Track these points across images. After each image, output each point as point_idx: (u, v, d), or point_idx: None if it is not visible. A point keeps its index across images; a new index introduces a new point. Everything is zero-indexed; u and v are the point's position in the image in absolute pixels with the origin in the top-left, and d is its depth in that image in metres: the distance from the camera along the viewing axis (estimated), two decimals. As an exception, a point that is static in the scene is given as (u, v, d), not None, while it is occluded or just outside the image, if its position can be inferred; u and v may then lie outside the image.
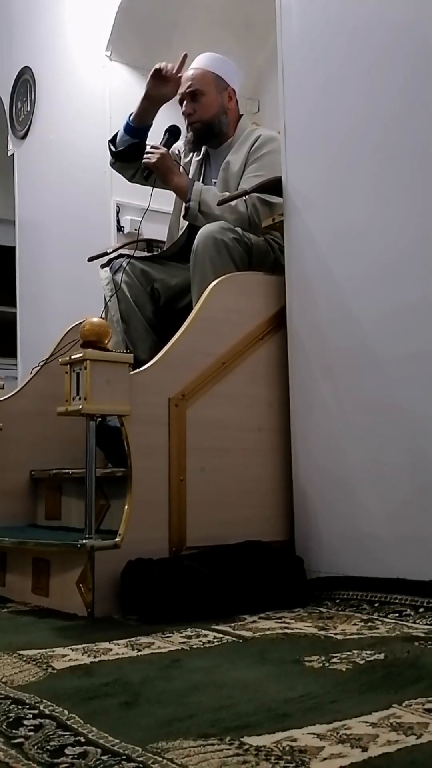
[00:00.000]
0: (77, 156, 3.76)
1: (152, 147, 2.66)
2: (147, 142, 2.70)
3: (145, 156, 2.65)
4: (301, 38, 2.37)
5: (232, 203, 2.53)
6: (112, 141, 2.75)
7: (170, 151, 2.74)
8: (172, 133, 2.71)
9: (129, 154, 2.71)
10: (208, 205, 2.56)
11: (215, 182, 2.71)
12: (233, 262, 2.42)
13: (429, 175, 1.98)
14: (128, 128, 2.70)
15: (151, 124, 2.70)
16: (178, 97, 2.70)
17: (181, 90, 2.68)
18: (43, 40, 4.06)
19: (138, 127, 2.68)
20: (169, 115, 2.80)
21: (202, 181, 2.78)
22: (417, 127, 2.01)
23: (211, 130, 2.73)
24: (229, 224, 2.47)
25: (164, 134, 2.71)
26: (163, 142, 2.68)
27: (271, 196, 2.51)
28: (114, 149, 2.74)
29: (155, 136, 2.74)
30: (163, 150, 2.65)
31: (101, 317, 2.42)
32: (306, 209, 2.33)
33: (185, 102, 2.72)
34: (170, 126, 2.72)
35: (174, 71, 2.59)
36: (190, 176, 2.82)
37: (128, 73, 3.59)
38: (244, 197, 2.53)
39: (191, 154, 2.84)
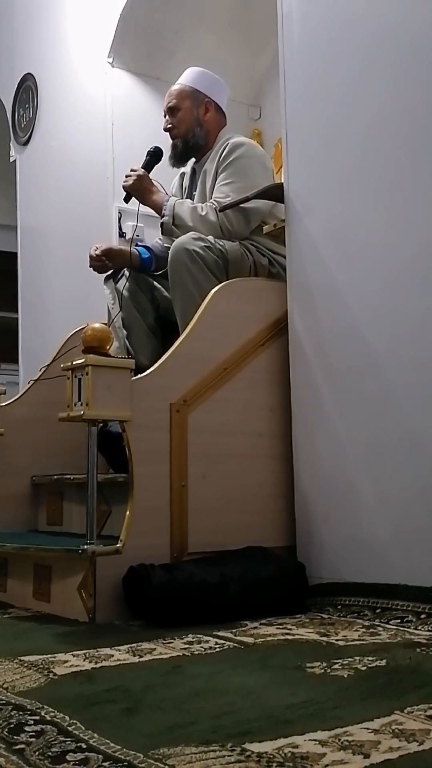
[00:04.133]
0: (79, 162, 3.77)
1: (131, 170, 2.72)
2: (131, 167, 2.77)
3: (123, 180, 2.72)
4: (303, 44, 2.38)
5: (202, 213, 2.56)
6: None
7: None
8: (154, 155, 2.76)
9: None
10: (181, 218, 2.58)
11: (195, 194, 2.75)
12: (209, 269, 2.44)
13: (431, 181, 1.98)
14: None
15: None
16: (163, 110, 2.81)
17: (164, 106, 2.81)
18: (45, 46, 4.07)
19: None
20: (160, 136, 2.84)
21: (189, 194, 2.80)
22: (420, 133, 2.01)
23: (188, 143, 2.77)
24: (200, 234, 2.48)
25: (146, 156, 2.75)
26: (144, 164, 2.74)
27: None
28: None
29: (139, 158, 2.79)
30: (141, 172, 2.70)
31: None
32: (307, 215, 2.33)
33: (166, 117, 2.80)
34: (152, 148, 2.78)
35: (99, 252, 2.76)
36: (177, 190, 2.84)
37: (130, 79, 3.60)
38: (214, 206, 2.55)
39: (181, 168, 2.87)
